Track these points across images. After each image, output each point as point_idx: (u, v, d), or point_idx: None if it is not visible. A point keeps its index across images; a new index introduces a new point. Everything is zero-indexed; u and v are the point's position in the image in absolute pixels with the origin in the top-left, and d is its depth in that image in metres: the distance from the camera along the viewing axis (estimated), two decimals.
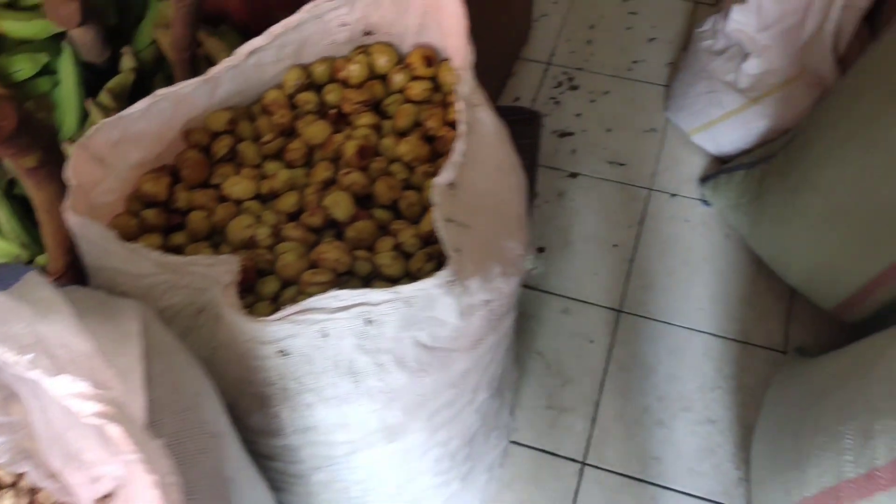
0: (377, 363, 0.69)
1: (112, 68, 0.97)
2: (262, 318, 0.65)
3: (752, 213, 1.35)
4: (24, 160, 0.70)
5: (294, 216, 0.82)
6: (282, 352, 0.67)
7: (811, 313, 1.34)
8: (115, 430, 0.45)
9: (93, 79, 0.95)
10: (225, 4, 1.04)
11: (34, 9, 0.93)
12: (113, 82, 0.95)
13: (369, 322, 0.66)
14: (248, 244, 0.79)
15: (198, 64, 0.96)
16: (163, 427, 0.55)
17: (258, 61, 0.86)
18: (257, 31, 0.85)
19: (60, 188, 0.73)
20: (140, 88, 0.97)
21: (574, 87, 1.72)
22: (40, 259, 0.90)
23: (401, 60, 0.92)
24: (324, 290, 0.65)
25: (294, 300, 0.68)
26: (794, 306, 1.37)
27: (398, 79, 0.90)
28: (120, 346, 0.56)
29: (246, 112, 0.90)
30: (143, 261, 0.70)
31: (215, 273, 0.69)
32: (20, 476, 0.62)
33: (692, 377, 1.31)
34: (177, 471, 0.45)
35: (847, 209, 1.09)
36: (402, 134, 0.88)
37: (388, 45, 0.91)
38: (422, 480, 0.89)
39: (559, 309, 1.40)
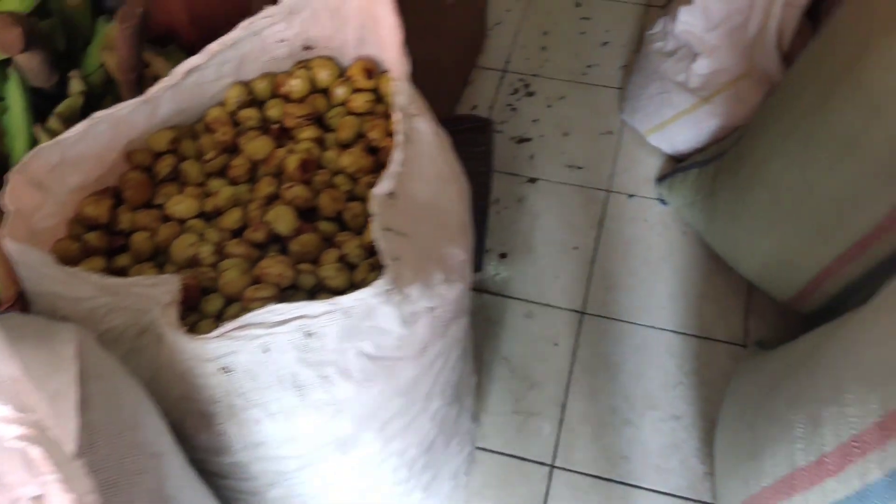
0: (321, 375, 0.69)
1: (61, 93, 0.97)
2: (201, 336, 0.65)
3: (706, 210, 1.36)
4: None
5: (238, 233, 0.82)
6: (224, 369, 0.67)
7: (769, 306, 1.36)
8: (35, 452, 0.44)
9: (42, 104, 0.94)
10: (172, 24, 1.04)
11: None
12: (62, 106, 0.94)
13: (309, 335, 0.66)
14: (192, 263, 0.79)
15: (145, 85, 0.95)
16: (98, 448, 0.55)
17: (198, 80, 0.87)
18: None
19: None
20: (90, 112, 0.96)
21: (530, 94, 1.74)
22: None
23: (342, 74, 0.93)
24: (266, 306, 0.65)
25: (237, 317, 0.68)
26: (752, 300, 1.39)
27: (340, 92, 0.91)
28: (53, 369, 0.56)
29: (189, 131, 0.90)
30: (82, 284, 0.70)
31: (155, 293, 0.69)
32: None
33: (656, 375, 1.32)
34: (97, 490, 0.45)
35: (793, 202, 1.11)
36: (345, 146, 0.89)
37: (329, 59, 0.92)
38: (381, 490, 0.89)
39: (523, 313, 1.41)
